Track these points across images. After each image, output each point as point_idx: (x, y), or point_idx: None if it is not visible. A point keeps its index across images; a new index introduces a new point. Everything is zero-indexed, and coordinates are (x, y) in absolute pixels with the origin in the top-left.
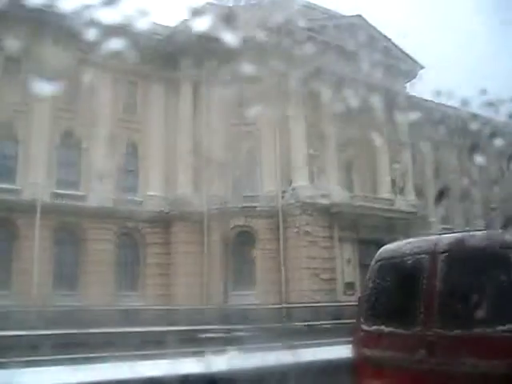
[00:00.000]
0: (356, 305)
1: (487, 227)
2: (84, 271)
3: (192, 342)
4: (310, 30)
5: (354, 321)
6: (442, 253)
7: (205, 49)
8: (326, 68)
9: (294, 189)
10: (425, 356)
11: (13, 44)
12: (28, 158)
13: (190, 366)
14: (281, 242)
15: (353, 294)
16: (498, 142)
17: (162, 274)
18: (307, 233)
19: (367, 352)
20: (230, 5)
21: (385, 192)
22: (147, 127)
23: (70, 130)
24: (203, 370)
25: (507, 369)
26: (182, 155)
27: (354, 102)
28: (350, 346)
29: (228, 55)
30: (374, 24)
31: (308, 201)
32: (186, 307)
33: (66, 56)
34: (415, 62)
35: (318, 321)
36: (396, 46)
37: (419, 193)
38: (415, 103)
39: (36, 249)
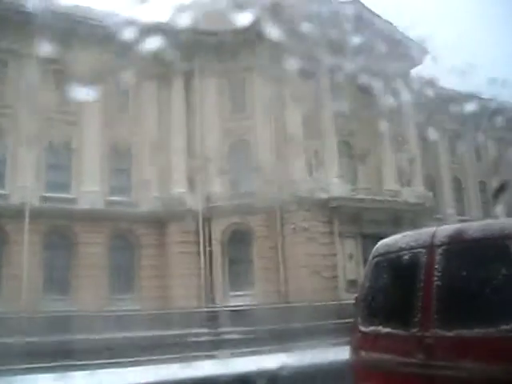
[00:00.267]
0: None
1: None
2: (76, 275)
3: (180, 347)
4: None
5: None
6: (440, 246)
7: (196, 42)
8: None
9: (290, 183)
10: (423, 359)
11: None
12: (16, 162)
13: (175, 371)
14: (279, 239)
15: (356, 292)
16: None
17: (158, 276)
18: (305, 229)
19: (364, 355)
20: None
21: (391, 183)
22: (139, 125)
23: (59, 132)
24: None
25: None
26: (175, 153)
27: (355, 89)
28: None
29: (219, 47)
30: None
31: (305, 195)
32: (182, 310)
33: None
34: (420, 47)
35: (320, 320)
36: (400, 32)
37: (432, 184)
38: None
39: (25, 254)
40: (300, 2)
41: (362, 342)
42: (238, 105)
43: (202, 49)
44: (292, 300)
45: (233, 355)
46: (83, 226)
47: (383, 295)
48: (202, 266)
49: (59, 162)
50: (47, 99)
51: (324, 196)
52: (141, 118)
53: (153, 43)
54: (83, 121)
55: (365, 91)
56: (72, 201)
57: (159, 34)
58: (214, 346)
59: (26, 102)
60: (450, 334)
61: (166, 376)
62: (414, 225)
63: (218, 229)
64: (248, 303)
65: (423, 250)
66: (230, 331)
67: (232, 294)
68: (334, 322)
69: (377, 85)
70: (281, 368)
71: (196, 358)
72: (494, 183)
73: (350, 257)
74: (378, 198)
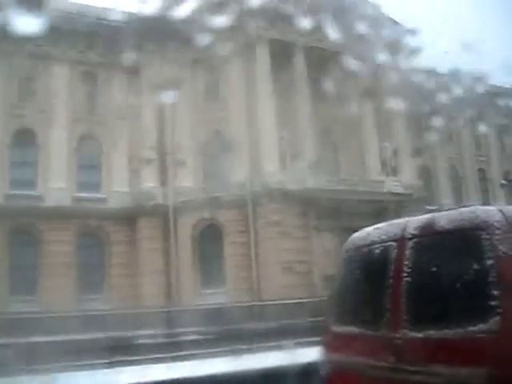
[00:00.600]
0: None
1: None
2: (43, 275)
3: (123, 350)
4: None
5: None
6: (410, 239)
7: (165, 32)
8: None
9: (261, 175)
10: (393, 362)
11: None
12: None
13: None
14: (251, 234)
15: None
16: None
17: (128, 274)
18: (276, 223)
19: (336, 356)
20: None
21: (375, 173)
22: (109, 119)
23: (24, 127)
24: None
25: (479, 379)
26: (146, 146)
27: (335, 77)
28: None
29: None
30: None
31: (276, 187)
32: (142, 310)
33: None
34: (407, 30)
35: (293, 319)
36: (386, 16)
37: (427, 173)
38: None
39: None
40: None
41: (333, 343)
42: (212, 95)
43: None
44: (265, 298)
45: (182, 358)
46: (49, 224)
47: (354, 292)
48: (173, 263)
49: (24, 159)
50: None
51: (297, 187)
52: (110, 112)
53: None
54: (50, 115)
55: (348, 73)
56: (38, 198)
57: None
58: (165, 349)
59: None
60: (420, 335)
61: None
62: (400, 217)
63: (189, 224)
64: (219, 301)
65: (394, 244)
66: (189, 332)
67: (203, 291)
68: (308, 320)
69: (362, 67)
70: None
71: (132, 363)
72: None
73: (328, 251)
74: (358, 188)
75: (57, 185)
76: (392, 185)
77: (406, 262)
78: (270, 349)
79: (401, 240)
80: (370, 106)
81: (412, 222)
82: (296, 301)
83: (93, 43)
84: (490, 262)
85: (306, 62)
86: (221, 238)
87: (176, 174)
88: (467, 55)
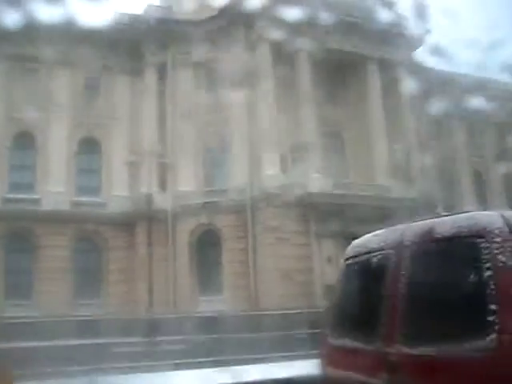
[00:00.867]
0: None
1: None
2: (39, 279)
3: (95, 358)
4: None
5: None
6: (408, 246)
7: (167, 33)
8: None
9: (261, 178)
10: (387, 380)
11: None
12: None
13: None
14: (249, 240)
15: None
16: None
17: (126, 280)
18: (274, 228)
19: (331, 371)
20: None
21: (383, 177)
22: (110, 123)
23: (23, 130)
24: None
25: None
26: (146, 151)
27: (343, 77)
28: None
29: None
30: None
31: (275, 191)
32: (129, 317)
33: None
34: (419, 27)
35: (290, 330)
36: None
37: (445, 177)
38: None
39: None
40: None
41: (330, 356)
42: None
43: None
44: (262, 306)
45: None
46: (47, 228)
47: (352, 303)
48: (170, 269)
49: (23, 162)
50: None
51: (298, 192)
52: (112, 115)
53: None
54: (50, 118)
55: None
56: (36, 202)
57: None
58: (140, 357)
59: None
60: (415, 351)
61: None
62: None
63: (187, 229)
64: (215, 309)
65: (392, 252)
66: (175, 340)
67: (200, 299)
68: (305, 331)
69: (371, 68)
70: None
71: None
72: None
73: (329, 260)
74: (364, 193)
75: (55, 189)
76: (400, 189)
77: (403, 272)
78: (266, 360)
79: (399, 248)
80: (380, 105)
81: (411, 228)
82: (293, 311)
83: (94, 46)
84: (488, 272)
85: (312, 62)
86: (219, 243)
87: (176, 178)
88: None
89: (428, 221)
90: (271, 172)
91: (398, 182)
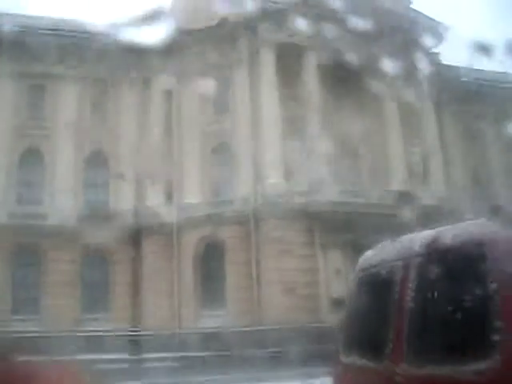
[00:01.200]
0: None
1: None
2: (46, 294)
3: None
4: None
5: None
6: (416, 257)
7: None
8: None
9: (264, 188)
10: None
11: None
12: None
13: None
14: (253, 252)
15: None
16: None
17: (132, 294)
18: (278, 239)
19: None
20: None
21: (399, 183)
22: (117, 136)
23: (31, 147)
24: None
25: None
26: (152, 163)
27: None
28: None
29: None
30: None
31: (277, 200)
32: (125, 333)
33: None
34: (437, 22)
35: (293, 346)
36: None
37: (476, 180)
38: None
39: None
40: None
41: (342, 375)
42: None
43: None
44: (265, 321)
45: None
46: (53, 243)
47: (362, 319)
48: (175, 282)
49: (29, 176)
50: None
51: (301, 200)
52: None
53: None
54: (56, 130)
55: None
56: (42, 216)
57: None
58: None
59: None
60: (420, 371)
61: None
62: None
63: (191, 242)
64: (218, 325)
65: (400, 263)
66: (166, 357)
67: (204, 313)
68: (310, 348)
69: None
70: None
71: None
72: None
73: (337, 272)
74: (375, 201)
75: (62, 203)
76: (420, 196)
77: (410, 285)
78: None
79: (407, 259)
80: (395, 106)
81: (420, 237)
82: (297, 326)
83: (100, 59)
84: (493, 286)
85: (317, 65)
86: (222, 256)
87: (181, 190)
88: None
89: (436, 230)
90: (274, 180)
91: (415, 187)
